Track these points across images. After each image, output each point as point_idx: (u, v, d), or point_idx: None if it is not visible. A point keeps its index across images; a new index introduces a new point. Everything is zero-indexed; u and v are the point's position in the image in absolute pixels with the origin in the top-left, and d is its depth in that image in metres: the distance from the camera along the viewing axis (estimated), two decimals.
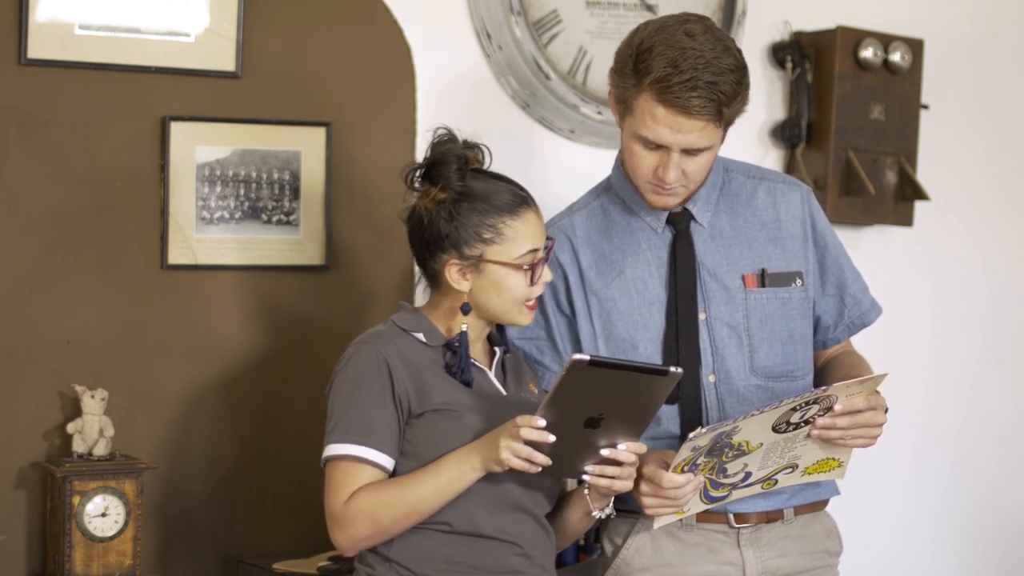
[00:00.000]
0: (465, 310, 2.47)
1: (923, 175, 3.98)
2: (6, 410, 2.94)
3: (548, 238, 2.52)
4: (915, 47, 3.89)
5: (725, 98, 2.48)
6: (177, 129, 3.07)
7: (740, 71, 2.52)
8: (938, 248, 4.13)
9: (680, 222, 2.67)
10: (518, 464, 2.30)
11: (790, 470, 2.56)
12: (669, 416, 2.63)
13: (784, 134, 3.83)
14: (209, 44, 3.10)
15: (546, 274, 2.51)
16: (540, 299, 2.69)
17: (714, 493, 2.54)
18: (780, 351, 2.67)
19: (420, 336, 2.47)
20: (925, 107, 3.96)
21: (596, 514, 2.49)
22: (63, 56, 2.97)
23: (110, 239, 3.03)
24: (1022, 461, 4.30)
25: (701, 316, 2.65)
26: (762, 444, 2.48)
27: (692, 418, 2.61)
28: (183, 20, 3.07)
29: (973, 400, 4.22)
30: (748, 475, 2.53)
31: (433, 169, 2.47)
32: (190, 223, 3.09)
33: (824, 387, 2.45)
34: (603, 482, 2.37)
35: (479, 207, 2.45)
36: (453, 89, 3.40)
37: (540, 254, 2.48)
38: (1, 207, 2.93)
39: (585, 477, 2.37)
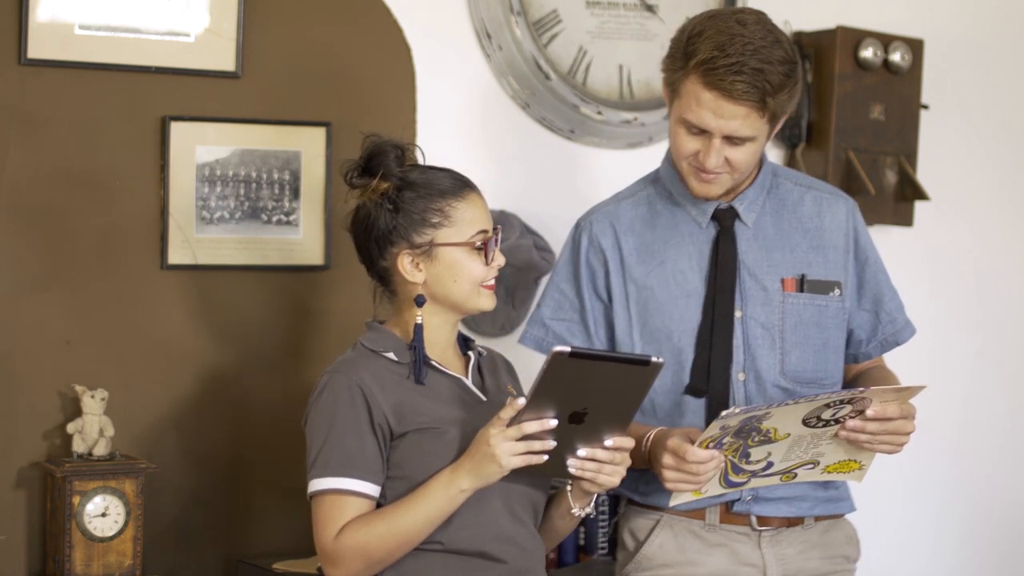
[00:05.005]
0: (419, 302, 2.43)
1: (923, 175, 3.98)
2: (6, 410, 2.94)
3: (496, 226, 2.48)
4: (915, 47, 3.89)
5: (770, 87, 2.49)
6: (177, 129, 3.07)
7: (789, 64, 2.52)
8: (938, 248, 4.13)
9: (725, 219, 2.67)
10: (520, 462, 2.26)
11: (811, 466, 2.57)
12: (695, 409, 2.64)
13: (784, 134, 3.83)
14: (209, 44, 3.10)
15: (499, 258, 2.46)
16: (577, 281, 2.69)
17: (733, 478, 2.53)
18: (812, 357, 2.68)
19: (391, 355, 2.43)
20: (925, 107, 3.96)
21: (576, 512, 2.45)
22: (63, 56, 2.97)
23: (110, 239, 3.03)
24: (1022, 462, 4.30)
25: (737, 314, 2.65)
26: (789, 435, 2.47)
27: (718, 413, 2.59)
28: (183, 20, 3.07)
29: (973, 401, 4.21)
30: (770, 464, 2.53)
31: (371, 161, 2.45)
32: (190, 223, 3.09)
33: (861, 388, 2.46)
34: (587, 475, 2.34)
35: (423, 193, 2.42)
36: (453, 89, 3.40)
37: (490, 235, 2.44)
38: (1, 207, 2.93)
39: (571, 470, 2.34)
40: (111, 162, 3.03)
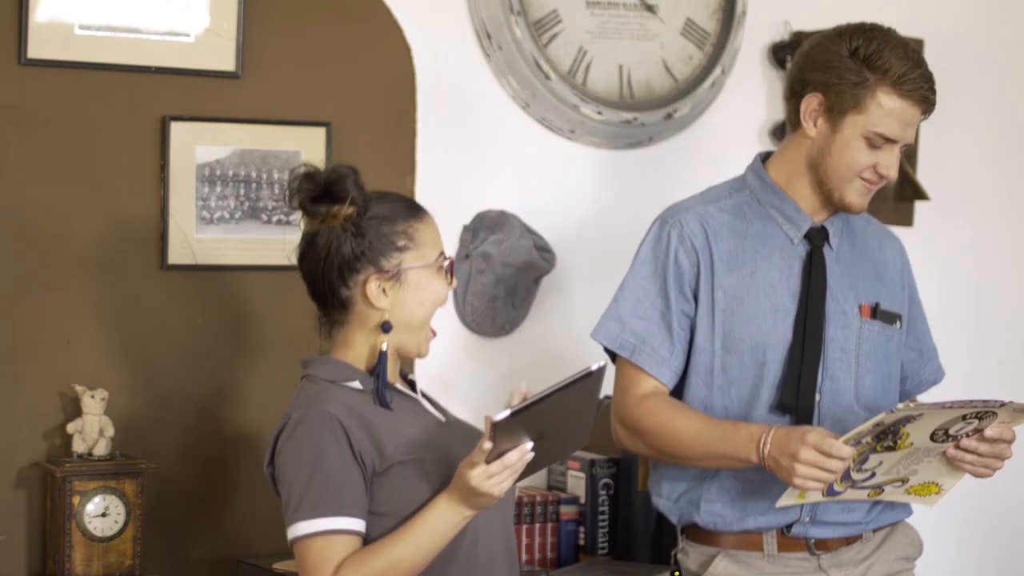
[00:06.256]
0: (387, 328, 2.34)
1: (923, 175, 3.98)
2: (6, 410, 2.94)
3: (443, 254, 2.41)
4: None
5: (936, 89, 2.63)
6: (177, 129, 3.07)
7: None
8: (938, 248, 4.12)
9: (817, 238, 2.67)
10: (509, 485, 2.22)
11: (899, 484, 2.56)
12: (766, 421, 2.61)
13: (784, 134, 3.82)
14: (209, 44, 3.10)
15: (454, 280, 2.43)
16: (663, 279, 2.64)
17: (837, 486, 2.50)
18: (880, 385, 2.69)
19: (355, 384, 2.34)
20: None
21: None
22: (63, 56, 2.97)
23: (110, 239, 3.03)
24: (1021, 462, 4.29)
25: None
26: (911, 446, 2.46)
27: None
28: (183, 20, 3.07)
29: None
30: (872, 475, 2.51)
31: (332, 187, 2.33)
32: (190, 223, 3.09)
33: (1001, 400, 2.46)
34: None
35: (385, 218, 2.35)
36: (453, 89, 3.40)
37: (449, 256, 2.40)
38: (1, 207, 2.94)
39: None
40: (111, 162, 3.03)
